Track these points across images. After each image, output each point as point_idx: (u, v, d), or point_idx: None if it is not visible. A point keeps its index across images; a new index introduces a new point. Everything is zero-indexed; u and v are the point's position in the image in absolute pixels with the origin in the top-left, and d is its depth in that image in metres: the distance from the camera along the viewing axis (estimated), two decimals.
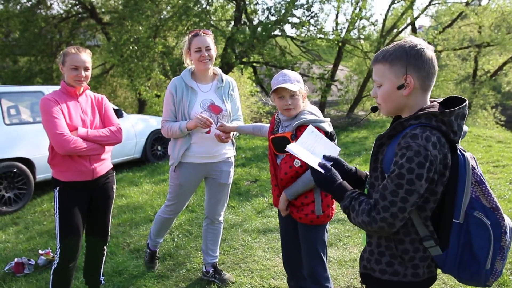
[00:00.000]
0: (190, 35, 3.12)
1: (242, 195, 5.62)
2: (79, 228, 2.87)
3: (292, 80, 2.45)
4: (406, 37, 1.56)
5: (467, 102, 1.50)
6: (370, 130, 10.45)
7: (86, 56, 2.82)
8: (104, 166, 2.98)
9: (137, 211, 5.17)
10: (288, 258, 2.75)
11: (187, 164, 3.18)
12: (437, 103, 1.56)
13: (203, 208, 5.11)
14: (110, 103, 3.13)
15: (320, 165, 1.69)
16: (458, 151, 1.47)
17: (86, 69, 2.81)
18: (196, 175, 3.24)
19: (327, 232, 2.62)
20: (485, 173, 6.11)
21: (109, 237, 3.16)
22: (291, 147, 1.82)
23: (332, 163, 1.74)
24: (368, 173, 1.73)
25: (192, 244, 4.15)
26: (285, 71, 2.53)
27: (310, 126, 1.99)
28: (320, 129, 2.31)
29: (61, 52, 2.87)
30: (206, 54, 3.04)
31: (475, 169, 1.48)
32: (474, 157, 1.53)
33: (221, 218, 3.45)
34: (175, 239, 4.29)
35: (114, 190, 3.13)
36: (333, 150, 1.90)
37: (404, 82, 1.49)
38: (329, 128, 2.48)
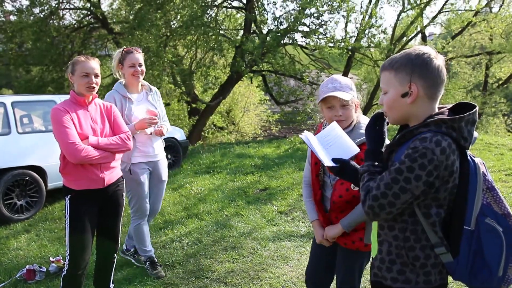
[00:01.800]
0: (123, 51, 3.51)
1: (251, 203, 5.62)
2: (89, 235, 2.90)
3: (343, 88, 2.16)
4: (416, 46, 1.56)
5: (477, 108, 1.49)
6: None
7: (95, 63, 2.87)
8: (114, 174, 3.01)
9: None
10: (314, 275, 2.51)
11: (138, 164, 3.57)
12: (447, 109, 1.55)
13: (212, 217, 5.13)
14: (119, 111, 3.18)
15: (333, 160, 1.73)
16: (469, 157, 1.46)
17: (96, 76, 2.85)
18: (147, 171, 3.66)
19: (370, 259, 2.26)
20: (497, 181, 6.04)
21: (119, 244, 3.18)
22: (308, 136, 1.81)
23: (339, 165, 1.74)
24: None
25: (201, 252, 4.15)
26: (335, 76, 2.24)
27: (334, 122, 1.90)
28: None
29: (69, 62, 2.92)
30: (139, 70, 3.50)
31: (485, 175, 1.47)
32: (484, 163, 1.52)
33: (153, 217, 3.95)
34: (185, 247, 4.30)
35: (124, 198, 3.15)
36: (350, 150, 1.84)
37: (409, 90, 1.49)
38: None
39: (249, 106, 21.01)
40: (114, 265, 3.22)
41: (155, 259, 3.84)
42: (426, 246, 1.50)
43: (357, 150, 1.85)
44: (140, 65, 3.51)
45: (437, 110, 1.54)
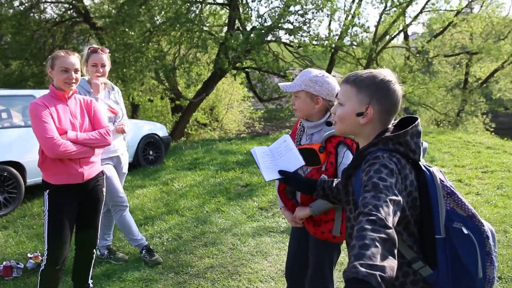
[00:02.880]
0: (89, 50, 3.58)
1: (232, 200, 5.64)
2: (68, 230, 2.89)
3: (297, 80, 2.31)
4: (381, 69, 1.57)
5: (419, 120, 1.52)
6: None
7: (75, 58, 2.85)
8: (94, 169, 3.00)
9: None
10: (293, 266, 2.62)
11: (106, 159, 3.66)
12: (392, 125, 1.58)
13: (193, 213, 5.15)
14: (100, 106, 3.17)
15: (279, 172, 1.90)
16: (424, 168, 1.49)
17: (76, 71, 2.83)
18: (109, 162, 3.74)
19: (339, 253, 2.50)
20: (473, 178, 6.19)
21: (98, 240, 3.17)
22: (256, 150, 1.91)
23: (283, 177, 1.92)
24: (325, 177, 1.90)
25: (181, 248, 4.17)
26: (306, 70, 2.37)
27: (286, 135, 2.02)
28: (350, 139, 2.23)
29: (49, 56, 2.90)
30: (101, 70, 3.58)
31: (443, 181, 1.50)
32: (440, 171, 1.55)
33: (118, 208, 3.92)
34: (165, 243, 4.31)
35: (104, 193, 3.14)
36: (296, 163, 1.96)
37: (365, 111, 1.52)
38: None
39: (232, 103, 21.03)
40: (93, 260, 3.21)
41: (150, 246, 3.98)
42: (403, 264, 1.48)
43: (302, 163, 1.96)
44: (103, 66, 3.57)
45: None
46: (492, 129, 19.66)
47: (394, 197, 1.33)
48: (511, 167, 6.75)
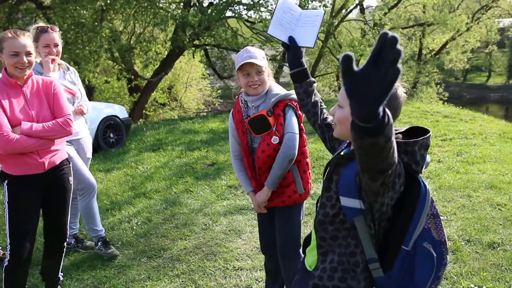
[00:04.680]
0: (37, 30, 3.31)
1: (200, 179, 5.56)
2: (31, 223, 2.71)
3: (257, 56, 2.37)
4: None
5: (431, 132, 1.49)
6: None
7: (26, 39, 2.56)
8: (57, 156, 2.76)
9: None
10: (268, 240, 2.70)
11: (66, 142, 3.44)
12: (400, 133, 1.55)
13: (161, 195, 5.04)
14: (62, 87, 2.87)
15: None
16: (421, 181, 1.47)
17: (28, 54, 2.55)
18: (77, 149, 3.59)
19: (303, 211, 2.60)
20: (433, 146, 6.37)
21: (67, 233, 2.98)
22: (285, 2, 1.92)
23: (288, 44, 1.90)
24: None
25: (152, 232, 4.07)
26: (249, 47, 2.46)
27: (322, 11, 1.97)
28: (294, 101, 2.42)
29: None
30: (55, 50, 3.33)
31: (433, 202, 1.50)
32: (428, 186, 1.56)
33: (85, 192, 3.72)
34: (134, 228, 4.20)
35: (72, 182, 2.93)
36: (308, 41, 1.92)
37: None
38: None
39: (191, 82, 20.69)
40: (63, 254, 3.03)
41: (107, 238, 3.73)
42: (359, 257, 1.51)
43: (312, 45, 1.94)
44: (55, 46, 3.33)
45: None
46: (445, 99, 20.35)
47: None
48: (468, 134, 7.01)
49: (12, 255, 2.66)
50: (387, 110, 1.00)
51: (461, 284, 2.92)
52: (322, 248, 1.58)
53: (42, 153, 2.66)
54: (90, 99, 13.33)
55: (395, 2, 17.50)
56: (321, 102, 2.00)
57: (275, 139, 2.35)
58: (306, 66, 1.93)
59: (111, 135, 7.80)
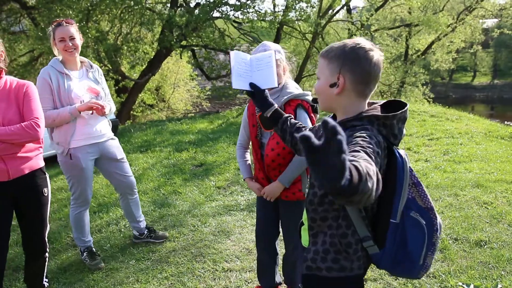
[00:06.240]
0: (53, 25, 3.18)
1: (188, 180, 5.53)
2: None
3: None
4: (357, 38, 1.53)
5: (408, 106, 1.51)
6: None
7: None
8: (25, 166, 2.60)
9: None
10: (265, 231, 2.77)
11: (81, 148, 3.27)
12: (378, 105, 1.56)
13: (149, 196, 5.00)
14: (37, 93, 2.68)
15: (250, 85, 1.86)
16: (396, 153, 1.48)
17: (71, 38, 2.55)
18: (93, 154, 3.36)
19: None
20: (420, 146, 6.42)
21: (47, 245, 2.86)
22: (236, 54, 1.90)
23: (251, 90, 1.86)
24: (288, 117, 1.86)
25: None
26: (265, 42, 2.48)
27: (271, 52, 1.97)
28: (306, 102, 2.44)
29: None
30: (71, 44, 3.16)
31: (412, 170, 1.51)
32: (406, 154, 1.55)
33: (136, 188, 3.76)
34: (122, 230, 4.16)
35: (47, 194, 2.76)
36: (269, 82, 1.91)
37: (337, 81, 1.49)
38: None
39: (179, 82, 20.60)
40: (46, 263, 2.93)
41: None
42: (356, 232, 1.52)
43: (275, 85, 1.92)
44: (72, 39, 3.15)
45: (367, 107, 1.54)
46: (431, 99, 20.54)
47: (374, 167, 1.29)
48: (455, 134, 7.08)
49: None
50: (354, 172, 0.99)
51: (449, 282, 2.94)
52: (313, 230, 1.59)
53: (7, 160, 2.52)
54: None
55: (381, 3, 17.63)
56: (300, 125, 1.92)
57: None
58: (276, 105, 1.88)
59: None
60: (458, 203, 4.19)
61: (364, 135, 1.37)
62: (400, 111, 1.47)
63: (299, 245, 2.54)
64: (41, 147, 2.74)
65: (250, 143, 2.69)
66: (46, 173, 2.80)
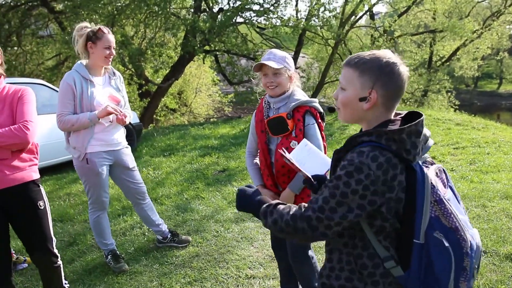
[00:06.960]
0: (99, 31, 3.22)
1: (211, 185, 5.55)
2: None
3: (276, 58, 2.42)
4: (385, 51, 1.48)
5: (423, 117, 1.43)
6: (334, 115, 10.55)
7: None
8: (15, 176, 2.50)
9: None
10: (278, 240, 2.77)
11: (97, 153, 3.32)
12: (400, 117, 1.51)
13: (172, 201, 5.03)
14: (32, 98, 2.61)
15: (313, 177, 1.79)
16: (417, 168, 1.39)
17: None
18: (108, 160, 3.42)
19: None
20: (446, 155, 6.31)
21: (54, 255, 2.77)
22: (287, 155, 1.90)
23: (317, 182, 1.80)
24: None
25: None
26: (272, 50, 2.51)
27: (305, 140, 2.05)
28: (314, 109, 2.47)
29: None
30: (114, 53, 3.30)
31: (434, 187, 1.39)
32: (443, 170, 1.47)
33: (147, 195, 3.76)
34: (146, 233, 4.19)
35: (43, 207, 2.65)
36: (324, 164, 1.94)
37: (368, 95, 1.43)
38: (321, 108, 2.53)
39: (201, 87, 20.73)
40: (62, 270, 2.86)
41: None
42: (374, 255, 1.45)
43: (329, 163, 1.90)
44: (114, 48, 3.30)
45: (392, 117, 1.50)
46: (456, 107, 20.19)
47: (340, 210, 1.38)
48: (481, 143, 6.92)
49: None
50: (267, 217, 1.52)
51: None
52: (329, 245, 1.57)
53: None
54: None
55: (405, 8, 17.44)
56: None
57: (294, 144, 2.37)
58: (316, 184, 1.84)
59: None
60: (487, 214, 4.09)
61: (352, 169, 1.36)
62: (408, 125, 1.39)
63: (305, 261, 2.55)
64: (35, 157, 2.65)
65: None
66: (41, 185, 2.70)
